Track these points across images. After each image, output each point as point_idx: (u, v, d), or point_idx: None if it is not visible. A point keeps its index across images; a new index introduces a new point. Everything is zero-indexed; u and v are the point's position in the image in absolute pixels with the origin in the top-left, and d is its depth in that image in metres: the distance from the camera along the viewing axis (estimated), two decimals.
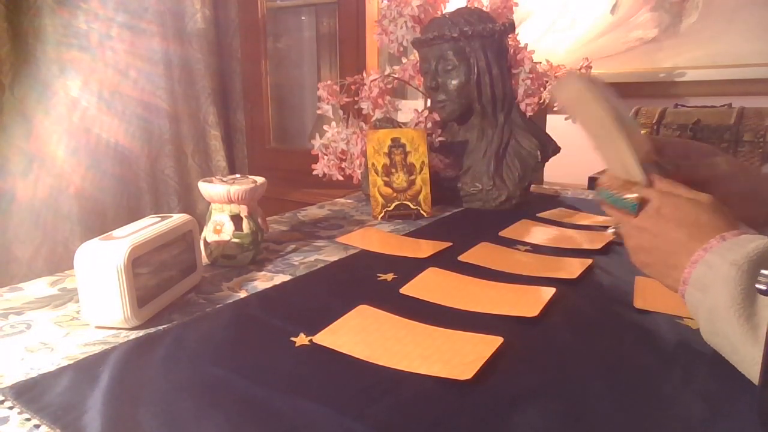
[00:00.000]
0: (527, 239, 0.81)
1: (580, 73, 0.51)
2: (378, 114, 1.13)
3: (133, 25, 1.85)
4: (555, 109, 1.06)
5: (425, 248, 0.77)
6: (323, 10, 2.20)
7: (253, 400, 0.40)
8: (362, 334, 0.50)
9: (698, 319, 0.46)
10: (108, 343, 0.49)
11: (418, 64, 1.11)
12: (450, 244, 0.78)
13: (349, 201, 1.12)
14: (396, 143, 0.94)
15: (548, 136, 1.07)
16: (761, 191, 0.55)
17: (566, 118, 0.55)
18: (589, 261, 0.70)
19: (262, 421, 0.38)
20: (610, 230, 0.59)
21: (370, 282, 0.65)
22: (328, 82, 1.15)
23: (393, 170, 0.94)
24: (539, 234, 0.84)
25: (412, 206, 0.95)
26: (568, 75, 0.50)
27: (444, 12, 1.09)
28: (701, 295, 0.45)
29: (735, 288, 0.41)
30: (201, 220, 0.67)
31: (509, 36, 1.05)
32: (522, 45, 1.06)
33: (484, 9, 1.08)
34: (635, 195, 0.50)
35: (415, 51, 1.10)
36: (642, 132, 0.62)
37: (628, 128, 0.51)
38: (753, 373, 0.39)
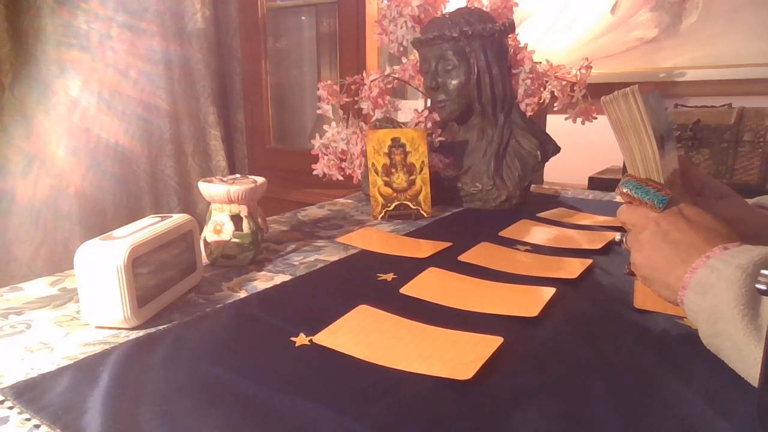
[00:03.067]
0: (527, 239, 0.81)
1: (639, 88, 0.51)
2: (378, 114, 1.13)
3: (133, 25, 1.85)
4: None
5: (425, 248, 0.77)
6: (323, 10, 2.20)
7: (253, 400, 0.40)
8: (362, 334, 0.50)
9: (697, 322, 0.46)
10: (108, 343, 0.49)
11: (418, 64, 1.11)
12: (450, 244, 0.78)
13: (349, 201, 1.12)
14: (396, 143, 0.94)
15: (548, 136, 1.07)
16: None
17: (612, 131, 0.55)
18: (589, 261, 0.70)
19: (262, 421, 0.38)
20: (618, 236, 0.59)
21: (370, 282, 0.65)
22: (328, 82, 1.15)
23: (393, 170, 0.94)
24: (539, 234, 0.84)
25: (412, 206, 0.95)
26: (630, 89, 0.51)
27: (444, 12, 1.09)
28: (700, 297, 0.45)
29: (739, 289, 0.41)
30: (201, 220, 0.67)
31: (509, 36, 1.05)
32: (522, 45, 1.06)
33: (484, 9, 1.08)
34: (667, 191, 0.51)
35: (415, 51, 1.10)
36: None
37: (667, 147, 0.52)
38: (753, 374, 0.39)
